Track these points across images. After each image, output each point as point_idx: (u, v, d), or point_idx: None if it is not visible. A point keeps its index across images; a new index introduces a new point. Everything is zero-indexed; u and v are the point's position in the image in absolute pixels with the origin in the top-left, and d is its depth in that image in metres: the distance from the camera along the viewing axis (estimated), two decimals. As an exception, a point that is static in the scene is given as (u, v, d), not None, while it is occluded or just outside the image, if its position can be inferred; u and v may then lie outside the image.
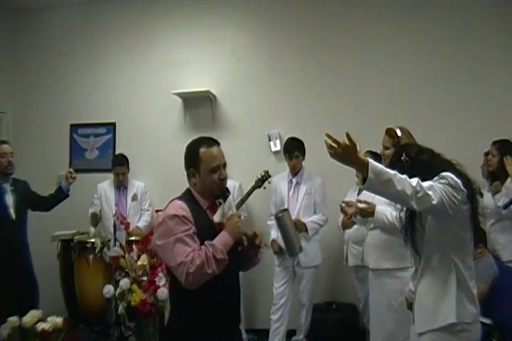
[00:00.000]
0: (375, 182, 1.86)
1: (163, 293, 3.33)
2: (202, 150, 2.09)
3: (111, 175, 4.95)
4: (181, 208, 2.01)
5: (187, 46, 5.18)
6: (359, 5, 4.77)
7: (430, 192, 1.93)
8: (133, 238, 4.03)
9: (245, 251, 2.17)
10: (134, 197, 4.85)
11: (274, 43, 4.98)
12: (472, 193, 2.09)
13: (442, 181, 2.01)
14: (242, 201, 4.20)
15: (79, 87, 5.45)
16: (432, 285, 2.09)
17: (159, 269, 3.44)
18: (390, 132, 2.97)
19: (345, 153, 1.85)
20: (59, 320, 2.47)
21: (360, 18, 4.76)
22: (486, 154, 3.82)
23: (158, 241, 1.98)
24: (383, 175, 1.87)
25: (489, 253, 3.50)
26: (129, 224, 4.01)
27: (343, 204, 2.93)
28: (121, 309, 3.40)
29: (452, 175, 2.03)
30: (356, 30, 4.76)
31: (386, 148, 2.92)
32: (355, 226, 3.76)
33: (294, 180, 4.24)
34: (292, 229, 3.69)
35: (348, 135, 1.85)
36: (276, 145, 4.81)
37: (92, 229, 4.58)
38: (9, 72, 5.64)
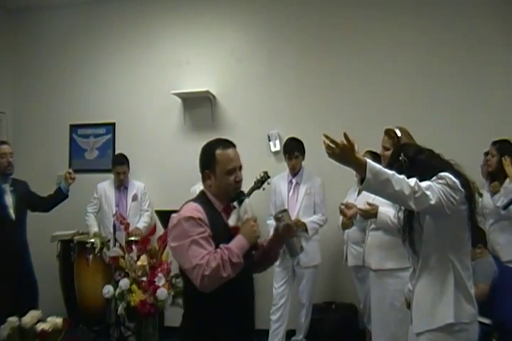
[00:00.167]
0: (373, 182, 1.87)
1: (162, 293, 3.33)
2: (218, 151, 2.07)
3: (111, 176, 4.95)
4: (197, 210, 1.99)
5: (187, 46, 5.18)
6: (359, 5, 4.77)
7: (428, 192, 1.93)
8: (133, 238, 4.03)
9: (268, 251, 2.18)
10: (135, 198, 4.86)
11: (274, 43, 4.98)
12: (470, 193, 2.09)
13: (440, 181, 2.01)
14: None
15: (79, 87, 5.45)
16: (430, 285, 2.10)
17: (159, 269, 3.43)
18: (389, 133, 2.97)
19: (343, 153, 1.85)
20: (59, 320, 2.46)
21: (360, 18, 4.76)
22: (486, 154, 3.82)
23: (173, 242, 1.96)
24: (381, 175, 1.87)
25: (489, 254, 3.51)
26: (128, 224, 4.00)
27: (343, 207, 2.94)
28: (120, 309, 3.39)
29: (450, 176, 2.03)
30: (356, 30, 4.76)
31: (386, 149, 2.92)
32: (354, 227, 3.77)
33: (294, 181, 4.24)
34: None
35: (345, 135, 1.85)
36: (276, 146, 4.81)
37: (92, 230, 4.59)
38: (9, 72, 5.64)
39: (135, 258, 3.46)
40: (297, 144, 4.21)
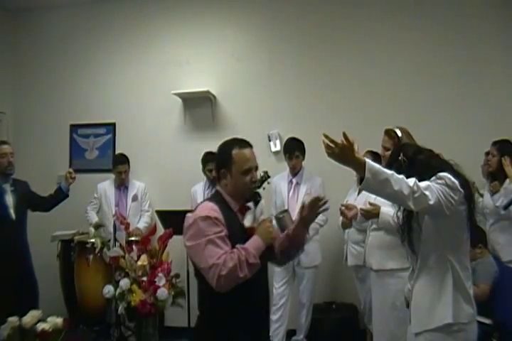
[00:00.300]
0: (372, 182, 1.87)
1: (163, 293, 3.33)
2: (235, 151, 2.07)
3: (111, 176, 4.96)
4: (213, 210, 1.98)
5: (187, 46, 5.18)
6: (359, 5, 4.77)
7: (427, 193, 1.93)
8: (133, 238, 4.03)
9: (294, 238, 2.18)
10: (135, 198, 4.86)
11: (274, 43, 4.98)
12: (469, 194, 2.09)
13: (439, 181, 2.01)
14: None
15: (79, 87, 5.45)
16: (429, 285, 2.10)
17: (159, 269, 3.44)
18: (389, 133, 2.97)
19: (342, 152, 1.85)
20: (59, 320, 2.46)
21: (360, 18, 4.76)
22: (487, 154, 3.83)
23: (189, 242, 1.96)
24: (380, 174, 1.87)
25: (489, 254, 3.51)
26: (128, 224, 4.02)
27: (343, 208, 2.93)
28: (121, 309, 3.40)
29: (449, 176, 2.03)
30: (356, 30, 4.76)
31: (386, 149, 2.92)
32: (353, 228, 3.78)
33: (294, 180, 4.24)
34: None
35: (345, 135, 1.85)
36: (276, 146, 4.81)
37: (92, 229, 4.58)
38: (9, 72, 5.64)
39: (135, 258, 3.47)
40: (297, 144, 4.21)
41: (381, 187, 1.89)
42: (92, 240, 4.40)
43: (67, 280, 4.58)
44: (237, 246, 1.93)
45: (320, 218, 4.12)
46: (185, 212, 4.47)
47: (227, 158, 2.06)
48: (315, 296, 4.24)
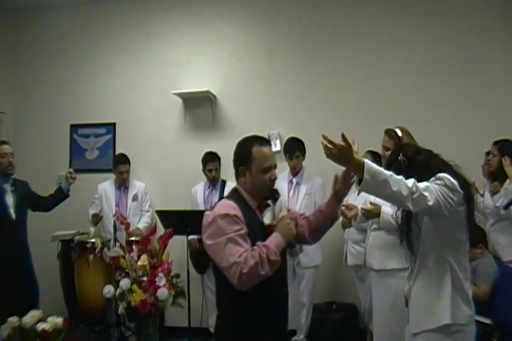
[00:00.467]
0: (371, 182, 1.86)
1: (163, 293, 3.33)
2: (255, 148, 2.05)
3: (111, 176, 4.96)
4: (233, 207, 1.97)
5: (187, 46, 5.18)
6: (360, 3, 4.76)
7: (426, 193, 1.93)
8: (133, 238, 4.03)
9: (327, 214, 2.17)
10: (135, 198, 4.87)
11: (275, 43, 4.97)
12: (468, 194, 2.08)
13: (438, 182, 2.00)
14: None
15: (79, 87, 5.45)
16: (427, 285, 2.10)
17: (159, 269, 3.43)
18: (390, 133, 2.97)
19: (340, 153, 1.85)
20: (59, 320, 2.46)
21: (361, 17, 4.75)
22: (487, 153, 3.83)
23: (209, 240, 1.95)
24: (379, 175, 1.87)
25: (489, 254, 3.50)
26: (129, 224, 4.01)
27: (343, 208, 2.93)
28: (121, 309, 3.39)
29: (449, 176, 2.02)
30: (357, 29, 4.75)
31: (387, 149, 2.91)
32: (353, 228, 3.78)
33: (294, 180, 4.24)
34: None
35: (343, 136, 1.85)
36: (277, 146, 4.80)
37: (92, 229, 4.58)
38: (9, 72, 5.64)
39: (135, 258, 3.46)
40: (298, 144, 4.21)
41: (380, 188, 1.89)
42: (92, 240, 4.41)
43: (68, 280, 4.58)
44: (258, 243, 1.92)
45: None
46: (186, 212, 4.51)
47: (247, 155, 2.05)
48: (315, 296, 4.24)
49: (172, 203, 4.55)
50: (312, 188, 4.18)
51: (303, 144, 4.21)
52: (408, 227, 2.19)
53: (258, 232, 1.98)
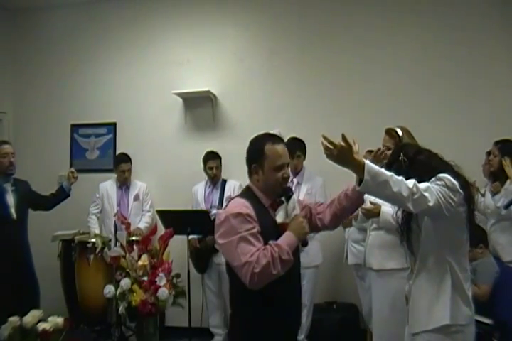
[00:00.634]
0: (371, 183, 1.86)
1: (163, 293, 3.33)
2: (268, 146, 2.04)
3: (112, 175, 4.97)
4: (245, 206, 1.96)
5: (187, 46, 5.18)
6: (360, 3, 4.76)
7: (427, 194, 1.92)
8: (134, 238, 4.03)
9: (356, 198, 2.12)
10: (136, 198, 4.87)
11: (276, 43, 4.97)
12: (469, 195, 2.08)
13: (439, 183, 2.00)
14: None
15: (79, 86, 5.45)
16: (427, 286, 2.09)
17: (160, 269, 3.44)
18: (390, 132, 2.97)
19: (341, 154, 1.85)
20: (60, 320, 2.47)
21: (361, 16, 4.74)
22: (488, 153, 3.82)
23: (221, 239, 1.94)
24: (379, 176, 1.87)
25: (490, 254, 3.50)
26: (129, 224, 4.02)
27: None
28: (121, 309, 3.40)
29: (449, 177, 2.02)
30: (358, 28, 4.74)
31: (388, 148, 2.91)
32: (353, 227, 3.78)
33: (295, 180, 4.23)
34: None
35: (343, 136, 1.84)
36: (277, 145, 4.80)
37: (93, 231, 4.60)
38: (9, 72, 5.64)
39: (136, 258, 3.47)
40: (299, 144, 4.20)
41: (380, 189, 1.89)
42: (93, 240, 4.42)
43: (68, 280, 4.58)
44: (270, 242, 1.90)
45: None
46: (186, 212, 4.51)
47: (260, 153, 2.04)
48: (315, 296, 4.23)
49: (172, 203, 4.55)
50: (313, 188, 4.18)
51: (304, 144, 4.21)
52: (408, 227, 2.18)
53: (271, 231, 1.97)
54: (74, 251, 4.50)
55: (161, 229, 3.95)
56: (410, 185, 1.90)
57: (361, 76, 4.70)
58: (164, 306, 3.41)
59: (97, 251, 4.34)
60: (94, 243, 4.38)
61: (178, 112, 5.18)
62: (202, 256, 4.45)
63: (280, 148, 2.06)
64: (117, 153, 5.15)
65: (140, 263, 3.44)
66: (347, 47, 4.77)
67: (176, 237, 3.69)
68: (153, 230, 3.85)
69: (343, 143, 1.84)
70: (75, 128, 5.46)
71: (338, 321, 4.24)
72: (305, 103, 4.83)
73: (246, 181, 4.82)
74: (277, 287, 1.90)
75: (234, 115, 5.04)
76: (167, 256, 3.57)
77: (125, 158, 4.85)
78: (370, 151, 3.67)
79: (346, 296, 4.49)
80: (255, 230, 1.91)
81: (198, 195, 4.64)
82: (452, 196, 1.98)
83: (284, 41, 4.94)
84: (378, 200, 2.75)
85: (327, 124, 4.24)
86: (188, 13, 5.20)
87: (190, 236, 4.20)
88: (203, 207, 4.52)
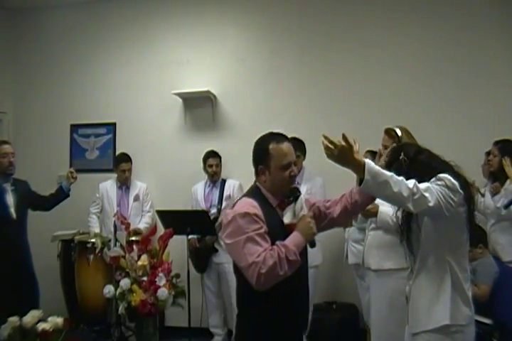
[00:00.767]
0: (372, 183, 1.86)
1: (163, 293, 3.33)
2: (272, 146, 2.02)
3: (112, 176, 4.97)
4: (252, 206, 1.94)
5: (187, 46, 5.18)
6: (361, 2, 4.76)
7: (427, 194, 1.92)
8: (133, 238, 4.03)
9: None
10: (136, 198, 4.87)
11: (275, 43, 4.97)
12: (469, 195, 2.08)
13: (439, 183, 2.00)
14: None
15: (79, 87, 5.45)
16: (427, 286, 2.09)
17: (159, 269, 3.44)
18: (389, 132, 2.97)
19: (341, 154, 1.85)
20: (59, 320, 2.47)
21: (362, 15, 4.74)
22: (488, 153, 3.82)
23: (228, 239, 1.92)
24: (380, 176, 1.87)
25: (489, 254, 3.51)
26: (129, 224, 4.02)
27: None
28: (121, 309, 3.40)
29: (450, 177, 2.02)
30: (358, 28, 4.74)
31: (387, 148, 2.91)
32: (353, 227, 3.77)
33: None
34: None
35: (344, 136, 1.85)
36: (277, 145, 4.80)
37: (93, 231, 4.60)
38: (9, 72, 5.63)
39: (136, 258, 3.47)
40: (298, 144, 4.19)
41: (380, 189, 1.89)
42: (93, 240, 4.42)
43: (68, 280, 4.58)
44: (277, 243, 1.88)
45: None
46: (186, 212, 4.51)
47: (265, 153, 2.02)
48: (315, 296, 4.23)
49: (172, 203, 4.55)
50: (312, 188, 4.18)
51: (303, 144, 4.21)
52: (408, 227, 2.18)
53: (278, 231, 1.95)
54: (73, 251, 4.50)
55: (161, 229, 3.95)
56: (410, 185, 1.90)
57: (361, 76, 4.70)
58: (164, 306, 3.40)
59: (96, 251, 4.34)
60: (93, 243, 4.38)
61: (178, 112, 5.18)
62: (201, 256, 4.45)
63: (285, 146, 2.03)
64: (117, 153, 5.15)
65: (140, 263, 3.43)
66: (347, 47, 4.77)
67: (175, 237, 3.69)
68: (153, 230, 3.85)
69: (343, 143, 1.84)
70: (74, 128, 5.46)
71: (338, 321, 4.24)
72: (305, 103, 4.83)
73: (246, 181, 4.81)
74: (285, 287, 1.88)
75: (234, 115, 5.04)
76: (167, 256, 3.57)
77: (125, 158, 4.85)
78: (370, 151, 3.68)
79: (346, 296, 4.49)
80: (262, 230, 1.89)
81: (197, 194, 4.64)
82: (452, 196, 1.98)
83: (284, 41, 4.94)
84: (377, 200, 2.75)
85: (327, 124, 4.23)
86: (187, 13, 5.20)
87: (190, 236, 4.20)
88: (202, 206, 4.53)
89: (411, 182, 1.92)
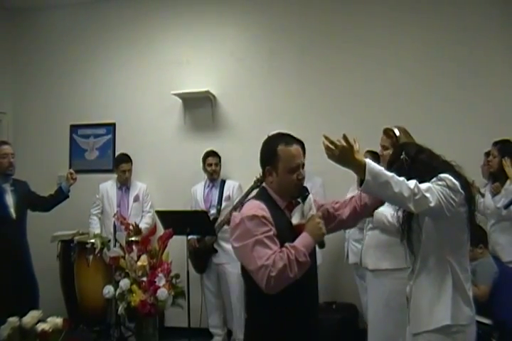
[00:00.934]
0: (372, 184, 1.86)
1: (163, 293, 3.33)
2: (280, 147, 2.00)
3: (111, 176, 4.97)
4: (261, 208, 1.91)
5: (187, 46, 5.18)
6: (361, 2, 4.76)
7: (428, 195, 1.92)
8: (133, 238, 4.03)
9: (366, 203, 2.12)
10: (136, 198, 4.87)
11: (275, 43, 4.97)
12: (470, 195, 2.08)
13: (440, 183, 2.00)
14: (241, 202, 4.20)
15: (79, 87, 5.45)
16: (428, 286, 2.09)
17: (159, 270, 3.43)
18: (387, 132, 2.97)
19: (342, 154, 1.84)
20: (59, 321, 2.46)
21: (361, 15, 4.74)
22: (487, 154, 3.82)
23: (236, 243, 1.88)
24: (381, 177, 1.86)
25: (489, 254, 3.51)
26: (129, 224, 4.01)
27: None
28: (121, 309, 3.39)
29: (450, 177, 2.02)
30: (357, 28, 4.74)
31: (385, 148, 2.91)
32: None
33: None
34: None
35: (345, 136, 1.84)
36: (277, 146, 4.80)
37: (93, 231, 4.59)
38: (9, 72, 5.63)
39: (135, 259, 3.46)
40: (298, 144, 4.20)
41: (381, 190, 1.88)
42: (92, 240, 4.42)
43: (67, 281, 4.58)
44: (286, 244, 1.85)
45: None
46: (185, 212, 4.51)
47: (273, 155, 1.99)
48: (315, 296, 4.23)
49: (172, 203, 4.55)
50: (312, 188, 4.11)
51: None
52: (409, 227, 2.18)
53: (287, 233, 1.92)
54: (73, 252, 4.50)
55: (161, 230, 3.95)
56: (411, 186, 1.90)
57: (361, 76, 4.70)
58: (163, 306, 3.40)
59: (96, 252, 4.34)
60: (93, 243, 4.38)
61: (178, 112, 5.18)
62: (201, 256, 4.45)
63: (294, 148, 2.01)
64: (116, 153, 5.15)
65: (139, 263, 3.43)
66: (347, 46, 4.77)
67: (175, 237, 3.68)
68: (153, 230, 3.85)
69: (344, 143, 1.84)
70: (74, 128, 5.46)
71: (338, 321, 4.23)
72: (305, 103, 4.83)
73: (245, 181, 4.82)
74: (295, 289, 1.85)
75: (233, 115, 5.04)
76: (166, 257, 3.56)
77: (126, 158, 4.86)
78: (370, 152, 3.68)
79: (346, 296, 4.49)
80: (271, 233, 1.86)
81: (197, 194, 4.64)
82: (453, 196, 1.98)
83: (284, 41, 4.94)
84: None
85: (327, 124, 4.24)
86: (187, 13, 5.20)
87: (190, 237, 4.20)
88: (202, 206, 4.53)
89: (412, 183, 1.92)
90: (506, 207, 3.35)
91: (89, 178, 4.99)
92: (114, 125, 5.36)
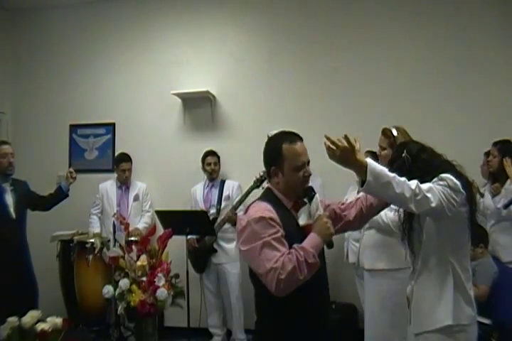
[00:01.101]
0: (374, 184, 1.85)
1: (162, 293, 3.32)
2: (285, 146, 1.95)
3: (111, 176, 4.97)
4: (267, 210, 1.87)
5: (186, 46, 5.18)
6: (361, 2, 4.76)
7: (429, 195, 1.92)
8: (132, 238, 4.03)
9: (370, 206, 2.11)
10: (136, 198, 4.88)
11: (274, 43, 4.97)
12: (471, 195, 2.08)
13: (441, 183, 2.00)
14: (240, 201, 4.20)
15: (78, 87, 5.45)
16: (429, 286, 2.09)
17: (159, 270, 3.43)
18: (385, 132, 2.96)
19: (343, 154, 1.84)
20: (58, 321, 2.46)
21: (360, 15, 4.74)
22: (487, 154, 3.82)
23: (243, 246, 1.85)
24: (382, 177, 1.86)
25: (489, 254, 3.50)
26: (128, 224, 4.00)
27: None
28: (120, 309, 3.39)
29: (452, 177, 2.02)
30: (357, 28, 4.74)
31: (383, 148, 2.90)
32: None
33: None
34: None
35: (346, 137, 1.84)
36: (276, 146, 4.79)
37: (93, 230, 4.59)
38: (9, 72, 5.63)
39: (135, 259, 3.46)
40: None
41: (383, 190, 1.88)
42: (92, 240, 4.41)
43: (67, 281, 4.57)
44: (294, 246, 1.82)
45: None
46: (185, 212, 4.51)
47: (277, 154, 1.95)
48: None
49: (171, 203, 4.55)
50: (312, 188, 4.17)
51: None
52: (410, 226, 2.18)
53: (295, 234, 1.90)
54: (73, 252, 4.50)
55: (160, 230, 3.94)
56: (413, 186, 1.90)
57: (361, 76, 4.70)
58: (163, 306, 3.39)
59: (95, 252, 4.34)
60: (93, 243, 4.38)
61: (177, 112, 5.18)
62: (200, 256, 4.45)
63: (298, 146, 1.97)
64: (116, 153, 5.15)
65: (139, 263, 3.42)
66: (347, 46, 4.77)
67: (174, 237, 3.68)
68: (152, 230, 3.84)
69: (345, 144, 1.83)
70: (73, 128, 5.46)
71: (337, 321, 4.23)
72: (304, 103, 4.83)
73: (245, 181, 4.81)
74: (305, 290, 1.83)
75: (233, 115, 5.04)
76: (166, 257, 3.56)
77: (126, 157, 4.86)
78: (370, 152, 3.68)
79: (345, 296, 4.47)
80: (279, 234, 1.83)
81: (196, 194, 4.64)
82: (454, 196, 1.98)
83: (284, 41, 4.94)
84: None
85: (327, 124, 4.24)
86: (187, 14, 5.20)
87: (189, 237, 4.20)
88: (201, 206, 4.53)
89: (413, 183, 1.92)
90: (506, 206, 3.35)
91: (89, 178, 4.99)
92: (113, 125, 5.36)
